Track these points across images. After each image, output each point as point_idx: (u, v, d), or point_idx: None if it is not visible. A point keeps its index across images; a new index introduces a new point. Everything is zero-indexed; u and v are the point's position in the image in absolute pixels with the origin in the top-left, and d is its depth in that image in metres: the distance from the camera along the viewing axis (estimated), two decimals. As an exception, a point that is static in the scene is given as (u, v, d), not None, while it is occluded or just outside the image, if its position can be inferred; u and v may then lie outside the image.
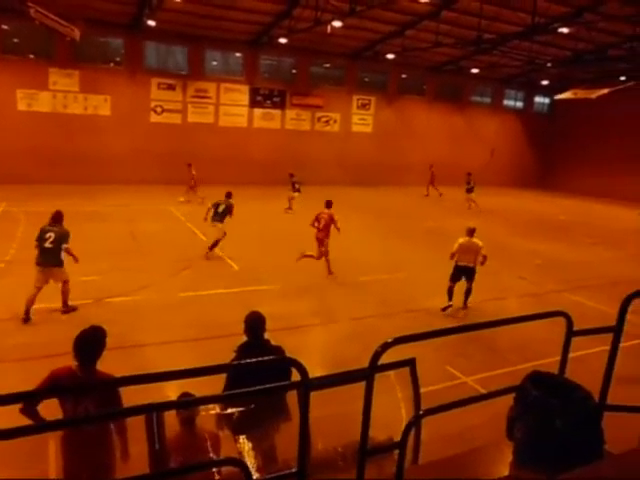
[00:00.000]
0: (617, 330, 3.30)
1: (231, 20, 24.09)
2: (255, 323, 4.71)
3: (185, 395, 3.59)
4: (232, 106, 28.38)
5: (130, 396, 2.98)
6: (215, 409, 3.95)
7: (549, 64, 29.38)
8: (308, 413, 2.42)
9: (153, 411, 2.65)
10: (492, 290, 12.16)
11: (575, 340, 3.40)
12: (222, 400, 2.38)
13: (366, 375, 2.48)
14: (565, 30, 22.57)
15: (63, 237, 9.21)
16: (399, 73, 32.53)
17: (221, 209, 13.54)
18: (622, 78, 30.20)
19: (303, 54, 29.07)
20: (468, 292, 10.52)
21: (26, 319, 8.77)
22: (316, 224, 12.44)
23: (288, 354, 4.62)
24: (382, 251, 15.48)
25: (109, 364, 4.15)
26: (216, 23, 24.49)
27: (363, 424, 2.49)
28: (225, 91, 28.05)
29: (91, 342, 4.05)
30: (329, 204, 12.69)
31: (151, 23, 22.58)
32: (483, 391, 5.77)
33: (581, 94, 29.36)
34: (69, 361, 4.05)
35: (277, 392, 2.77)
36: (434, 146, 33.96)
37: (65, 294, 9.32)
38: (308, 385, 2.44)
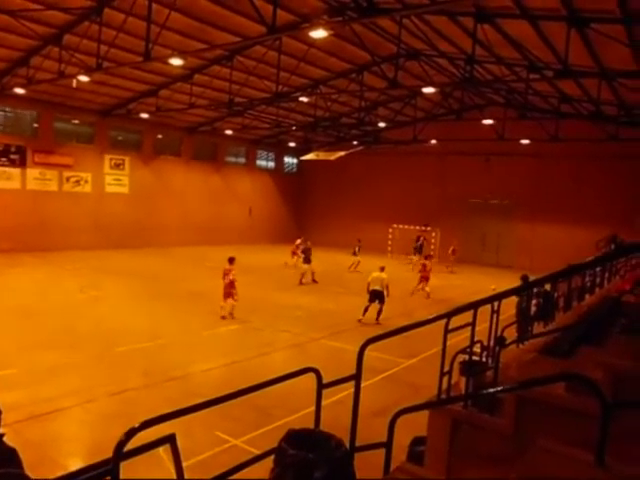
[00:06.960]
0: (357, 377, 3.53)
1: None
2: None
3: None
4: (-44, 163, 24.45)
5: None
6: None
7: (294, 127, 32.28)
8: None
9: None
10: (256, 347, 12.38)
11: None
12: None
13: (109, 470, 2.12)
14: (305, 99, 25.25)
15: None
16: (155, 133, 32.16)
17: None
18: (355, 142, 34.78)
19: (46, 107, 26.69)
20: (380, 311, 15.14)
21: None
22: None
23: (34, 448, 3.78)
24: (141, 318, 14.55)
25: None
26: None
27: None
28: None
29: None
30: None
31: None
32: (255, 451, 5.66)
33: (322, 156, 32.82)
34: None
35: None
36: (193, 206, 34.11)
37: None
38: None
